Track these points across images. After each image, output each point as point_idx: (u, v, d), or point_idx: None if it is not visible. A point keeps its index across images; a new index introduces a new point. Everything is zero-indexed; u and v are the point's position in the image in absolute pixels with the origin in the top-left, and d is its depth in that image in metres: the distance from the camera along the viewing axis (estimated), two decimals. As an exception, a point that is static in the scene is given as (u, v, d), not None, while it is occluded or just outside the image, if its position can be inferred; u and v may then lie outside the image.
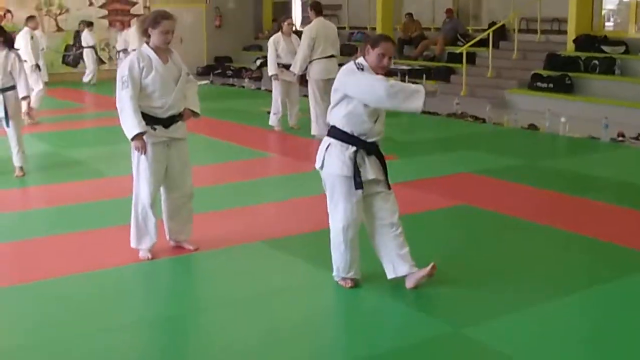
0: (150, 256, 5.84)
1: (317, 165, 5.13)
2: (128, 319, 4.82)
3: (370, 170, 5.02)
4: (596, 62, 13.65)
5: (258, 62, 20.21)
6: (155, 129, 5.65)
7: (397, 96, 4.79)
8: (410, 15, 18.52)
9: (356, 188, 4.98)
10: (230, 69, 21.00)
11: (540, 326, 4.58)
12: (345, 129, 4.99)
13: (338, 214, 5.07)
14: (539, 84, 13.98)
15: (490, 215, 6.96)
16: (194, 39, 21.48)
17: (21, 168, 8.86)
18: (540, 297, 5.02)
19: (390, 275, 5.15)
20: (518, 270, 5.57)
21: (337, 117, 5.02)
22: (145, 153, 5.62)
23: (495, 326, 4.58)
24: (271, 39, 11.81)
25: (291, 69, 11.12)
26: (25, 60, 13.62)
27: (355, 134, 4.98)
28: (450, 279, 5.33)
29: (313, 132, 11.02)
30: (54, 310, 4.97)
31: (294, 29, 12.26)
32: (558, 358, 4.17)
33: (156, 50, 5.63)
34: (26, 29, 13.31)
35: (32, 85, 13.61)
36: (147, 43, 5.64)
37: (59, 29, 20.41)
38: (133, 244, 5.88)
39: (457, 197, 7.54)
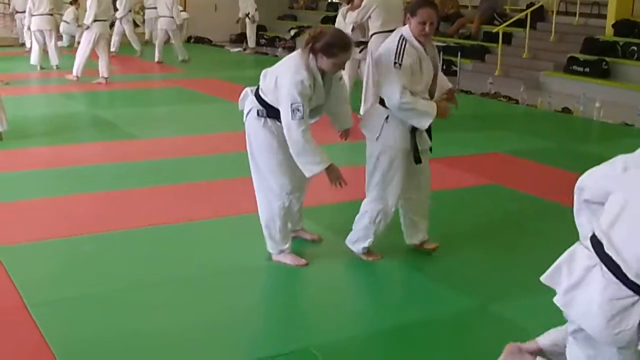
0: (304, 261, 5.14)
1: (372, 136, 4.90)
2: (156, 277, 4.89)
3: (423, 142, 5.00)
4: (634, 48, 13.40)
5: (292, 32, 20.18)
6: None
7: (407, 113, 4.76)
8: (447, -9, 18.31)
9: (416, 162, 4.91)
10: (264, 37, 20.96)
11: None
12: None
13: (393, 188, 4.91)
14: (575, 67, 13.82)
15: (520, 196, 6.93)
16: (229, 6, 21.35)
17: None
18: (567, 278, 5.01)
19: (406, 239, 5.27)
20: (545, 250, 5.49)
21: None
22: (344, 183, 4.86)
23: (522, 304, 4.58)
24: (341, 10, 10.93)
25: None
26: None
27: None
28: (477, 255, 5.35)
29: (362, 112, 9.75)
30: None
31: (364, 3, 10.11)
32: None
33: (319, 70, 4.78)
34: None
35: None
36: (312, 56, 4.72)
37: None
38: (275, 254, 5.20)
39: (487, 176, 7.52)
